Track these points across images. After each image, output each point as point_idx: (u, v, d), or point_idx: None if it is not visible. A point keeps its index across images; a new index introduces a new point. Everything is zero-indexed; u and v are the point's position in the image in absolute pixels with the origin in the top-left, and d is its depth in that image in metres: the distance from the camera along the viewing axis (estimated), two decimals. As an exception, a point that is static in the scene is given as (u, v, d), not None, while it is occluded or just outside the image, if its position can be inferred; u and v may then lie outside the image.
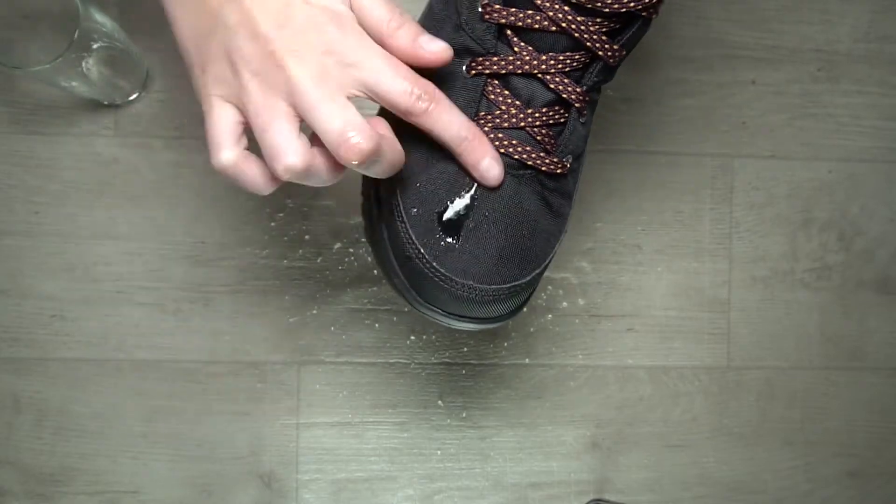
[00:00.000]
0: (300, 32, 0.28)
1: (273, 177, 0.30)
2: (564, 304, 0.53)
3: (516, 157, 0.33)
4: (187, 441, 0.51)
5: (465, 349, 0.52)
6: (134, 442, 0.50)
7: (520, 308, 0.36)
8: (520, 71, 0.32)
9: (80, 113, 0.49)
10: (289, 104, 0.28)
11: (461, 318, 0.34)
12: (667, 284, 0.53)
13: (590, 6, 0.30)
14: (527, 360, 0.53)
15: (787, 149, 0.54)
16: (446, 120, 0.31)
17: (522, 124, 0.33)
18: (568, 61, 0.32)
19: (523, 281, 0.34)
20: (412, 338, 0.52)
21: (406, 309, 0.51)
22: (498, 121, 0.33)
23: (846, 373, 0.55)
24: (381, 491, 0.52)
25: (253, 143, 0.30)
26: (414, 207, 0.33)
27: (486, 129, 0.32)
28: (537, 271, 0.35)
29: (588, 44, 0.31)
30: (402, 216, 0.33)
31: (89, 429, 0.50)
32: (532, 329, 0.52)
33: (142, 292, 0.50)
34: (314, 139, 0.30)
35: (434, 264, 0.32)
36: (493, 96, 0.33)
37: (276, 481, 0.51)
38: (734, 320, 0.54)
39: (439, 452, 0.52)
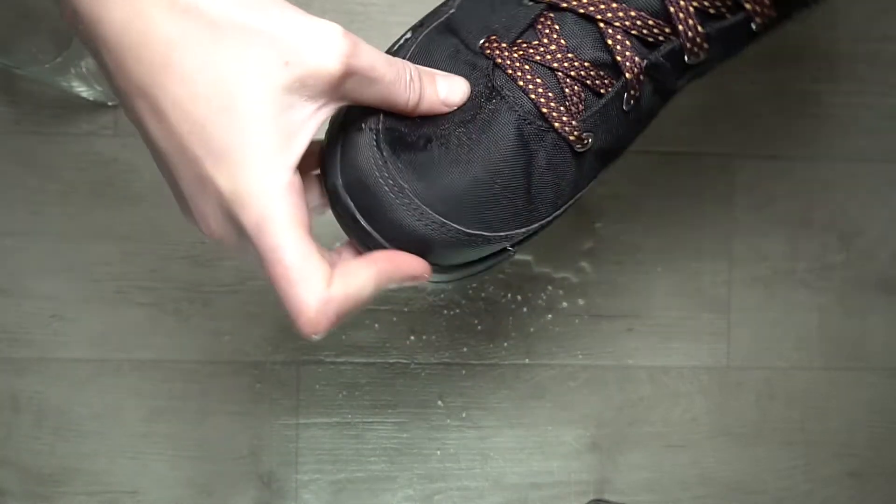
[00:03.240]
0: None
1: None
2: (564, 304, 0.53)
3: (532, 96, 0.28)
4: (187, 441, 0.51)
5: (465, 349, 0.52)
6: (133, 442, 0.50)
7: (464, 268, 0.31)
8: (581, 10, 0.28)
9: (80, 113, 0.49)
10: None
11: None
12: (667, 284, 0.53)
13: None
14: (527, 360, 0.53)
15: (787, 149, 0.54)
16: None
17: (556, 65, 0.29)
18: (639, 22, 0.28)
19: (486, 234, 0.29)
20: (412, 338, 0.52)
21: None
22: (532, 51, 0.29)
23: (847, 373, 0.55)
24: (380, 491, 0.52)
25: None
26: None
27: (516, 54, 0.29)
28: (492, 233, 0.29)
29: (671, 7, 0.28)
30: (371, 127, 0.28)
31: (89, 429, 0.50)
32: (532, 329, 0.52)
33: (141, 292, 0.50)
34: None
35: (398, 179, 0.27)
36: (540, 26, 0.29)
37: (275, 481, 0.51)
38: (734, 320, 0.54)
39: (439, 452, 0.52)
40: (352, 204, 0.28)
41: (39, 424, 0.50)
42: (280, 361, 0.51)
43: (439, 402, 0.52)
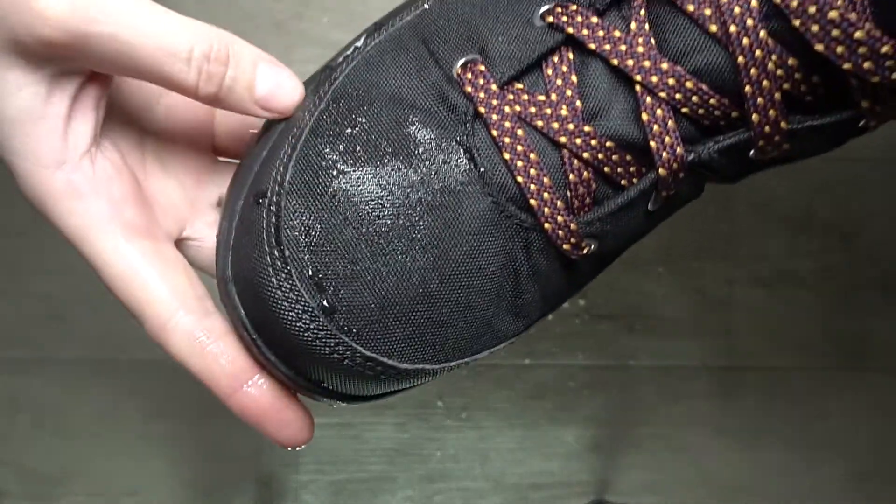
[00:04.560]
0: None
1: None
2: (565, 304, 0.52)
3: (519, 178, 0.20)
4: (187, 441, 0.51)
5: (465, 349, 0.52)
6: (133, 442, 0.50)
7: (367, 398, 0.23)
8: (615, 59, 0.20)
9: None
10: None
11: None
12: (667, 284, 0.53)
13: (800, 26, 0.18)
14: (527, 361, 0.52)
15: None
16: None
17: (563, 139, 0.20)
18: (695, 98, 0.19)
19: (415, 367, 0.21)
20: (412, 338, 0.52)
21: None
22: (533, 109, 0.20)
23: (848, 373, 0.55)
24: (380, 492, 0.52)
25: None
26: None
27: (508, 108, 0.20)
28: (439, 365, 0.21)
29: (748, 86, 0.19)
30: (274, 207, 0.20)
31: (88, 429, 0.50)
32: (532, 329, 0.52)
33: (141, 292, 0.50)
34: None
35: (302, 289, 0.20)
36: (551, 70, 0.20)
37: (275, 482, 0.51)
38: (735, 320, 0.54)
39: (439, 453, 0.52)
40: (241, 308, 0.21)
41: (39, 425, 0.50)
42: (280, 362, 0.51)
43: (439, 403, 0.52)
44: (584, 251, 0.21)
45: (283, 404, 0.22)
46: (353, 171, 0.20)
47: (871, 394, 0.55)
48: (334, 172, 0.20)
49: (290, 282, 0.20)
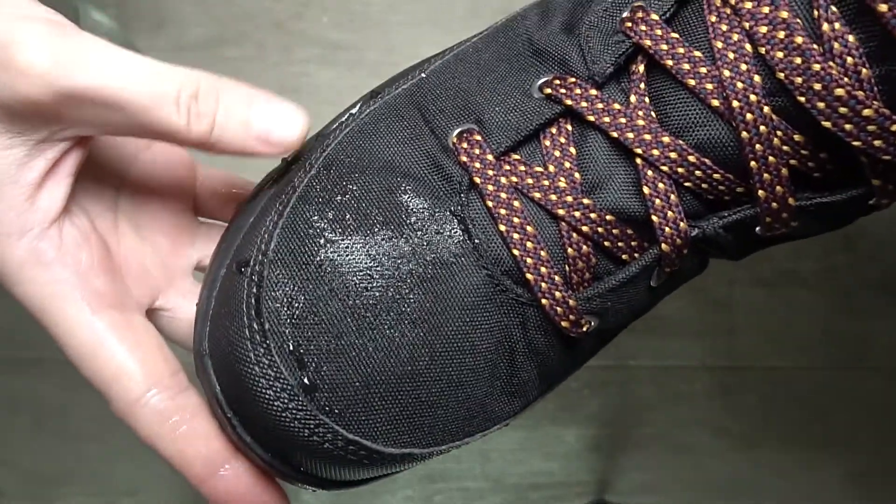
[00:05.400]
0: None
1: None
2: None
3: (515, 251, 0.19)
4: (187, 441, 0.51)
5: (466, 349, 0.52)
6: (133, 442, 0.50)
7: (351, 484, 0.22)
8: (614, 132, 0.19)
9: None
10: None
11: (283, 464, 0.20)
12: (668, 284, 0.53)
13: (805, 102, 0.17)
14: (527, 361, 0.52)
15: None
16: None
17: (561, 211, 0.19)
18: (698, 172, 0.19)
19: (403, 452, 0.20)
20: (412, 338, 0.52)
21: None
22: (530, 180, 0.19)
23: (849, 373, 0.55)
24: (381, 492, 0.52)
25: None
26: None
27: (505, 178, 0.19)
28: (427, 449, 0.20)
29: (752, 162, 0.18)
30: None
31: (88, 430, 0.50)
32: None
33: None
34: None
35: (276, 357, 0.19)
36: (549, 141, 0.20)
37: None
38: (736, 320, 0.54)
39: (439, 453, 0.52)
40: (217, 385, 0.20)
41: (38, 425, 0.50)
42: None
43: (439, 403, 0.52)
44: (584, 328, 0.20)
45: (261, 489, 0.21)
46: (342, 239, 0.19)
47: (871, 394, 0.55)
48: (322, 241, 0.19)
49: (269, 357, 0.18)
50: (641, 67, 0.19)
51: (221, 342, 0.19)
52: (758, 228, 0.20)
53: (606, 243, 0.20)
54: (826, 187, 0.19)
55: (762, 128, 0.18)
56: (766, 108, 0.18)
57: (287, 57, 0.47)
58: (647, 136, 0.19)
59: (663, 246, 0.19)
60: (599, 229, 0.19)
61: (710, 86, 0.18)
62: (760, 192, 0.19)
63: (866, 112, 0.17)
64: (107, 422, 0.52)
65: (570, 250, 0.20)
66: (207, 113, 0.19)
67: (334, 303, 0.19)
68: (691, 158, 0.19)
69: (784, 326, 0.54)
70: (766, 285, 0.54)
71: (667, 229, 0.19)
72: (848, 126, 0.17)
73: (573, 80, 0.20)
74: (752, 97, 0.18)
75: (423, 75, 0.22)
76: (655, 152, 0.19)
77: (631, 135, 0.19)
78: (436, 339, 0.19)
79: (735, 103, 0.18)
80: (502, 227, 0.19)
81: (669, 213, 0.19)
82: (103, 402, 0.49)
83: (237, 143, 0.20)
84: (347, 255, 0.19)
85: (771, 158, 0.18)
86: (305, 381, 0.19)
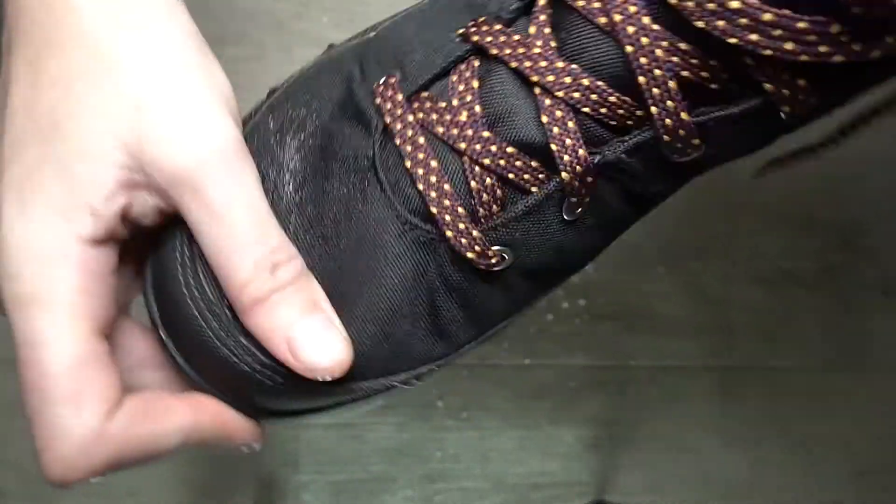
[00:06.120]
0: None
1: None
2: (565, 304, 0.52)
3: (420, 185, 0.19)
4: (187, 442, 0.51)
5: (465, 349, 0.52)
6: (133, 443, 0.50)
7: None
8: (514, 63, 0.19)
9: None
10: None
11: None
12: (667, 284, 0.53)
13: (676, 4, 0.17)
14: (527, 361, 0.52)
15: (789, 147, 0.54)
16: None
17: (462, 144, 0.19)
18: (594, 96, 0.18)
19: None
20: (412, 338, 0.52)
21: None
22: (434, 116, 0.20)
23: (848, 373, 0.55)
24: (380, 492, 0.52)
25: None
26: None
27: (412, 116, 0.20)
28: (349, 384, 0.21)
29: (641, 77, 0.18)
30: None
31: (88, 429, 0.50)
32: (532, 329, 0.52)
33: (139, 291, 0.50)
34: None
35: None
36: (456, 77, 0.20)
37: (275, 482, 0.51)
38: (735, 320, 0.54)
39: (439, 453, 0.52)
40: (170, 342, 0.21)
41: (39, 425, 0.50)
42: (280, 362, 0.51)
43: (439, 403, 0.52)
44: (493, 260, 0.20)
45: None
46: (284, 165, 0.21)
47: (871, 394, 0.55)
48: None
49: (196, 277, 0.19)
50: (543, 15, 0.19)
51: (166, 304, 0.20)
52: (667, 153, 0.19)
53: (511, 175, 0.20)
54: (728, 101, 0.19)
55: (643, 39, 0.17)
56: (645, 19, 0.17)
57: (287, 57, 0.47)
58: (543, 63, 0.19)
59: (563, 174, 0.19)
60: (501, 161, 0.19)
61: (597, 4, 0.18)
62: (653, 109, 0.18)
63: (734, 4, 0.16)
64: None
65: (472, 183, 0.20)
66: (264, 284, 0.18)
67: None
68: (585, 82, 0.18)
69: (783, 326, 0.54)
70: (766, 285, 0.54)
71: (565, 157, 0.19)
72: (720, 23, 0.17)
73: (483, 19, 0.20)
74: (632, 8, 0.18)
75: (373, 34, 0.22)
76: (550, 78, 0.19)
77: (528, 63, 0.19)
78: (352, 275, 0.20)
79: (617, 17, 0.18)
80: (408, 164, 0.20)
81: (567, 140, 0.19)
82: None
83: (273, 346, 0.19)
84: (276, 205, 0.20)
85: (657, 71, 0.18)
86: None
